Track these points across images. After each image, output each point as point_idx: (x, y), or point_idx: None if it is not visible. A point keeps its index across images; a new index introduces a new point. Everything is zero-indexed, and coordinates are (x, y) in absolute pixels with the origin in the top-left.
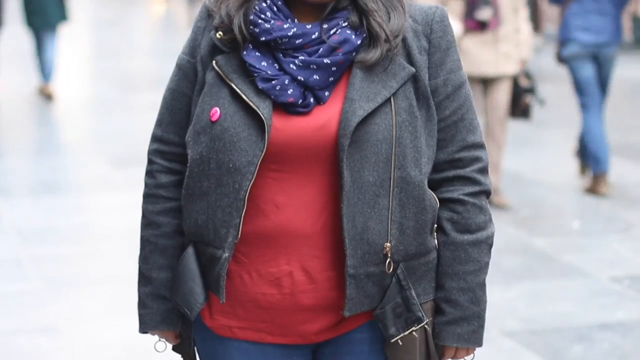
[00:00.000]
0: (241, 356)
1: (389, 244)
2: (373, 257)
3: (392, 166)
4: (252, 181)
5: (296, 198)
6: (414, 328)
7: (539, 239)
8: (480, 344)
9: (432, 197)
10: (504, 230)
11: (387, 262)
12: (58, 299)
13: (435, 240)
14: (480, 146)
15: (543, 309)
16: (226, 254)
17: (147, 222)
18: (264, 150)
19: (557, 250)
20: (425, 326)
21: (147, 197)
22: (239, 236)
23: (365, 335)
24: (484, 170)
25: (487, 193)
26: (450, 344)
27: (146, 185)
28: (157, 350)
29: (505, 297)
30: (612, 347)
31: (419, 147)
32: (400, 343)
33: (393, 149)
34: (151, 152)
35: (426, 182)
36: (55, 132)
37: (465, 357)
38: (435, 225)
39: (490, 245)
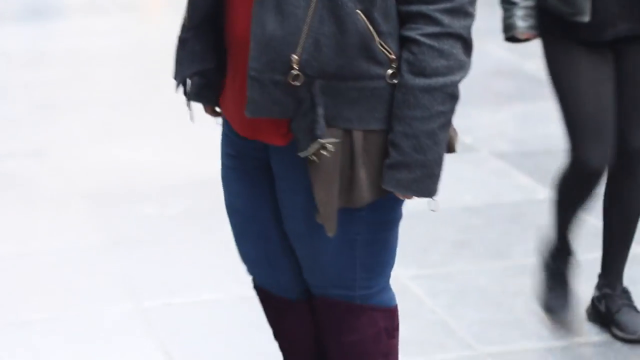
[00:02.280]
0: (228, 142)
1: (296, 57)
2: (279, 65)
3: None
4: None
5: (239, 6)
6: (314, 146)
7: (530, 62)
8: (426, 195)
9: (364, 24)
10: (495, 54)
11: (294, 73)
12: (47, 123)
13: (388, 72)
14: None
15: (533, 130)
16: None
17: None
18: None
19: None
20: (358, 156)
21: None
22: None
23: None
24: (453, 11)
25: (454, 36)
26: (388, 187)
27: None
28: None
29: (496, 119)
30: None
31: None
32: (317, 160)
33: None
34: None
35: (364, 9)
36: None
37: (430, 206)
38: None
39: (451, 95)
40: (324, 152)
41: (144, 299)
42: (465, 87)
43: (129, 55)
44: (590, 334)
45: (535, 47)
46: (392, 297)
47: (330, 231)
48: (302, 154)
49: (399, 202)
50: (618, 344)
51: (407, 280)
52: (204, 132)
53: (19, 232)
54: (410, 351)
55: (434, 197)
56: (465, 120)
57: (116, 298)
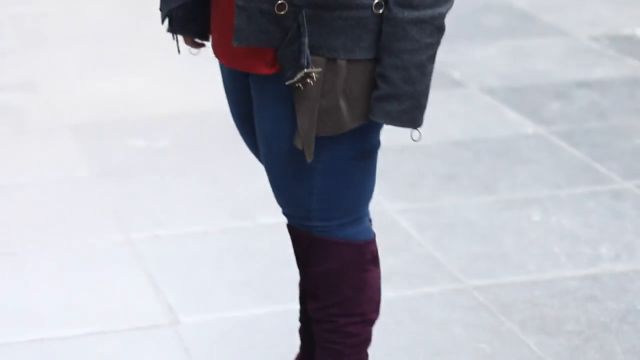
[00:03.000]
0: (223, 75)
1: None
2: None
3: None
4: None
5: None
6: (299, 75)
7: None
8: (414, 125)
9: None
10: None
11: (280, 2)
12: (37, 56)
13: (374, 1)
14: None
15: (522, 66)
16: None
17: None
18: None
19: (538, 9)
20: (340, 85)
21: None
22: None
23: (280, 78)
24: None
25: None
26: (378, 119)
27: None
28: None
29: (485, 54)
30: (590, 104)
31: None
32: (302, 88)
33: None
34: None
35: None
36: None
37: (413, 137)
38: None
39: (438, 27)
40: (309, 81)
41: (132, 230)
42: (454, 23)
43: None
44: (577, 267)
45: None
46: (361, 232)
47: (309, 157)
48: (288, 83)
49: (364, 138)
50: (604, 277)
51: (394, 214)
52: (193, 65)
53: (8, 164)
54: (398, 284)
55: (419, 129)
56: (453, 55)
57: (105, 229)
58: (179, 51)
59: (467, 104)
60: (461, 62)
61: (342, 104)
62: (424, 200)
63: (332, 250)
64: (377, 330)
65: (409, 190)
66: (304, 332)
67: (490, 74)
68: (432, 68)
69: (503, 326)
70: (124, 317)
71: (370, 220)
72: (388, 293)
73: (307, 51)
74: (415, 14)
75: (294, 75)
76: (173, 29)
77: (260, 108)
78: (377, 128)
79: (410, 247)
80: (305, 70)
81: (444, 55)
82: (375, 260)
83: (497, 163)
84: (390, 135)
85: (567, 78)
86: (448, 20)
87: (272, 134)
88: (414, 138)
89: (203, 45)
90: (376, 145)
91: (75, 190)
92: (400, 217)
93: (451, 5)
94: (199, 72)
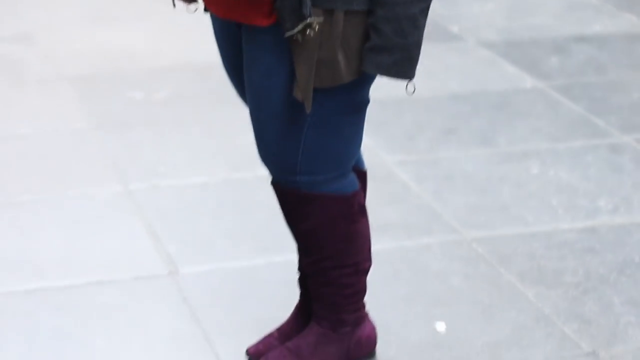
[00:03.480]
0: (214, 26)
1: None
2: None
3: None
4: None
5: None
6: (301, 25)
7: None
8: (405, 77)
9: None
10: None
11: None
12: (34, 6)
13: None
14: None
15: (521, 20)
16: None
17: None
18: None
19: None
20: (337, 36)
21: None
22: None
23: (276, 30)
24: None
25: None
26: (369, 70)
27: None
28: None
29: (483, 9)
30: (589, 59)
31: None
32: (300, 39)
33: None
34: None
35: None
36: None
37: (407, 90)
38: None
39: None
40: (309, 32)
41: (131, 181)
42: None
43: None
44: (575, 220)
45: None
46: (348, 185)
47: (309, 108)
48: (288, 34)
49: (356, 91)
50: (602, 229)
51: (393, 166)
52: (192, 18)
53: (7, 116)
54: (396, 235)
55: (412, 81)
56: (452, 9)
57: (104, 180)
58: (174, 5)
59: (465, 57)
60: (459, 16)
61: (340, 56)
62: (422, 153)
63: (320, 205)
64: (376, 280)
65: (407, 143)
66: (303, 282)
67: (488, 28)
68: (424, 21)
69: (501, 278)
70: (123, 267)
71: (365, 172)
72: (386, 244)
73: (309, 2)
74: None
75: (294, 26)
76: None
77: (252, 60)
78: (368, 82)
79: (408, 198)
80: (308, 19)
81: (442, 9)
82: (362, 210)
83: (496, 116)
84: (388, 88)
85: (565, 33)
86: None
87: (264, 86)
88: (408, 91)
89: (195, 0)
90: (367, 100)
91: (75, 142)
92: (398, 169)
93: None
94: (198, 24)
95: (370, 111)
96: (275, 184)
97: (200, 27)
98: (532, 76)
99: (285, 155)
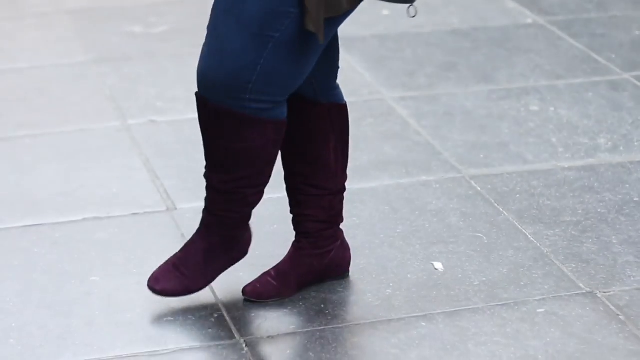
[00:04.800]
0: None
1: None
2: None
3: None
4: None
5: None
6: None
7: None
8: (405, 0)
9: None
10: None
11: None
12: None
13: None
14: None
15: None
16: None
17: None
18: None
19: None
20: None
21: None
22: None
23: None
24: None
25: None
26: None
27: None
28: None
29: None
30: None
31: None
32: None
33: None
34: None
35: None
36: None
37: (411, 15)
38: None
39: None
40: None
41: (129, 116)
42: None
43: None
44: (574, 158)
45: None
46: (284, 112)
47: (322, 38)
48: None
49: (337, 21)
50: (602, 168)
51: (392, 102)
52: None
53: (4, 49)
54: (395, 172)
55: (413, 5)
56: None
57: (101, 115)
58: None
59: None
60: None
61: None
62: (422, 89)
63: (261, 129)
64: (374, 217)
65: (407, 79)
66: (297, 223)
67: None
68: None
69: (500, 216)
70: (120, 203)
71: (345, 105)
72: (385, 181)
73: None
74: None
75: None
76: None
77: None
78: (349, 14)
79: (408, 135)
80: None
81: None
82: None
83: (496, 52)
84: (388, 24)
85: None
86: None
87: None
88: (411, 14)
89: None
90: (335, 31)
91: (72, 76)
92: (398, 105)
93: None
94: None
95: (370, 46)
96: (215, 103)
97: None
98: (533, 12)
99: (241, 71)
